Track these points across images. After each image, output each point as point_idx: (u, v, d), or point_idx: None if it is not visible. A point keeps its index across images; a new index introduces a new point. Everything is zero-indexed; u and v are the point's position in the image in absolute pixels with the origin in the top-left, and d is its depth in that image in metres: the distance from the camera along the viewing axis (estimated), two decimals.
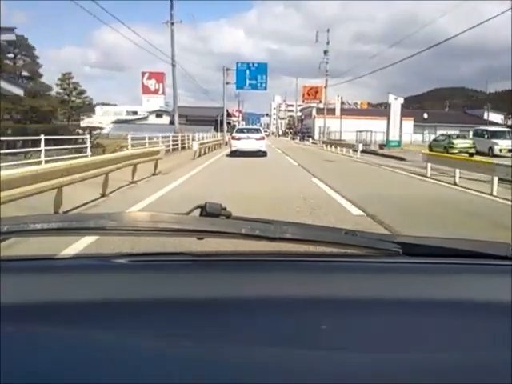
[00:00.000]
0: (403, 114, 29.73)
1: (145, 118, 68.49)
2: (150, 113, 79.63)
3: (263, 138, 19.27)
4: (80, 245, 3.61)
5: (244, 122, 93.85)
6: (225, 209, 0.84)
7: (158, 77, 74.97)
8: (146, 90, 74.83)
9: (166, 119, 61.68)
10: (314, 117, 59.24)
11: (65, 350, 0.52)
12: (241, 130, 21.00)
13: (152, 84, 74.13)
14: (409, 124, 47.29)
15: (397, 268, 0.86)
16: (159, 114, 71.93)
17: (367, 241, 0.87)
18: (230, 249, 1.09)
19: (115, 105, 72.68)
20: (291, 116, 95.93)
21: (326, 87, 40.52)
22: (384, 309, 0.66)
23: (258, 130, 20.84)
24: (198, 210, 0.83)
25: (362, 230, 0.93)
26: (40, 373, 0.47)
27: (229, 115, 71.91)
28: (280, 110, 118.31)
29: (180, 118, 64.15)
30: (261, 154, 17.87)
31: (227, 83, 32.88)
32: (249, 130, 20.62)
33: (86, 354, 0.51)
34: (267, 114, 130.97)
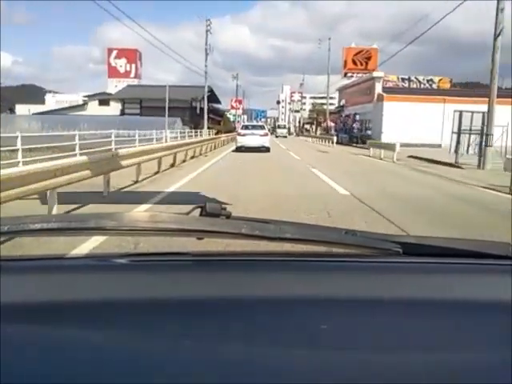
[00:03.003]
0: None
1: (82, 107, 50.02)
2: (90, 98, 41.20)
3: (267, 135, 22.26)
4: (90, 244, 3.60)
5: (245, 117, 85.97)
6: (225, 209, 0.90)
7: (130, 55, 58.06)
8: (113, 72, 58.35)
9: (115, 107, 47.22)
10: (382, 98, 36.87)
11: (65, 350, 0.57)
12: (246, 127, 24.28)
13: (122, 64, 57.36)
14: (507, 110, 23.66)
15: (397, 268, 0.91)
16: (104, 100, 51.98)
17: (367, 240, 0.93)
18: (230, 249, 1.22)
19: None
20: (311, 108, 63.66)
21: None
22: (384, 309, 0.71)
23: (262, 127, 24.12)
24: (198, 210, 0.89)
25: (362, 230, 1.02)
26: (40, 373, 0.51)
27: (214, 100, 54.57)
28: (292, 101, 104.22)
29: (130, 104, 45.13)
30: (264, 149, 20.80)
31: None
32: (253, 127, 23.81)
33: (85, 354, 0.55)
34: (278, 102, 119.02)
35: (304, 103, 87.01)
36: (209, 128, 41.92)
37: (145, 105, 45.78)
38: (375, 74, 36.20)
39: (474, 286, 0.85)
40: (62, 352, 0.56)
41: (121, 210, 4.55)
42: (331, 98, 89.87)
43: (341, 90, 49.57)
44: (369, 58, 45.84)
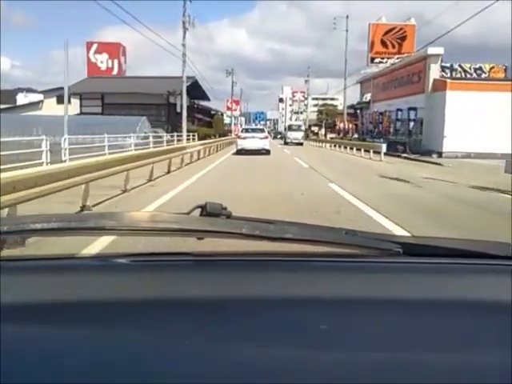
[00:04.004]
0: None
1: (36, 105, 42.02)
2: (46, 94, 27.14)
3: (267, 138, 23.28)
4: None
5: (243, 118, 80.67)
6: (225, 208, 0.95)
7: (113, 50, 48.32)
8: (92, 68, 48.04)
9: (77, 105, 38.14)
10: (443, 85, 24.95)
11: (65, 350, 0.60)
12: (246, 130, 24.93)
13: (103, 60, 47.84)
14: None
15: (397, 268, 0.96)
16: (62, 97, 29.91)
17: (367, 241, 0.97)
18: (230, 249, 1.23)
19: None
20: (318, 108, 51.42)
21: None
22: (384, 309, 0.76)
23: (262, 130, 25.07)
24: (199, 210, 0.95)
25: (362, 230, 1.09)
26: (40, 373, 0.54)
27: (200, 95, 46.66)
28: (294, 101, 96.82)
29: (89, 100, 37.80)
30: (264, 152, 21.79)
31: None
32: (253, 130, 24.72)
33: (85, 354, 0.59)
34: (281, 100, 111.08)
35: (306, 105, 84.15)
36: (191, 131, 30.44)
37: (108, 101, 38.55)
38: (431, 50, 26.91)
39: (474, 285, 0.90)
40: (62, 352, 0.59)
41: None
42: (333, 99, 79.02)
43: (364, 81, 42.08)
44: (403, 39, 35.85)
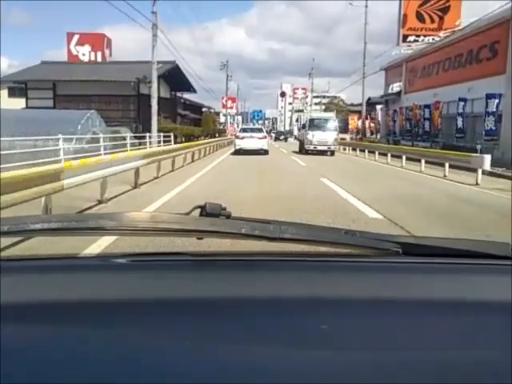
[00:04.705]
0: None
1: None
2: None
3: (265, 137, 23.71)
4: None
5: (240, 117, 76.05)
6: (225, 209, 1.01)
7: (96, 41, 44.26)
8: (74, 61, 42.93)
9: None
10: None
11: (65, 350, 0.64)
12: (244, 130, 25.36)
13: (85, 53, 43.49)
14: None
15: (397, 268, 1.00)
16: (15, 88, 37.39)
17: (367, 241, 1.01)
18: (230, 249, 1.32)
19: None
20: (331, 103, 43.78)
21: None
22: (384, 309, 0.80)
23: (260, 130, 25.69)
24: (198, 210, 1.01)
25: (361, 230, 1.15)
26: (40, 373, 0.57)
27: (182, 86, 39.37)
28: (295, 99, 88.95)
29: (38, 90, 30.47)
30: (263, 152, 22.96)
31: None
32: (252, 130, 25.17)
33: (85, 354, 0.62)
34: (283, 94, 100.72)
35: (307, 103, 78.81)
36: (163, 131, 22.76)
37: (61, 92, 31.12)
38: None
39: (473, 285, 0.93)
40: (62, 352, 0.61)
41: None
42: (335, 97, 71.46)
43: (391, 67, 36.90)
44: (445, 10, 27.67)
